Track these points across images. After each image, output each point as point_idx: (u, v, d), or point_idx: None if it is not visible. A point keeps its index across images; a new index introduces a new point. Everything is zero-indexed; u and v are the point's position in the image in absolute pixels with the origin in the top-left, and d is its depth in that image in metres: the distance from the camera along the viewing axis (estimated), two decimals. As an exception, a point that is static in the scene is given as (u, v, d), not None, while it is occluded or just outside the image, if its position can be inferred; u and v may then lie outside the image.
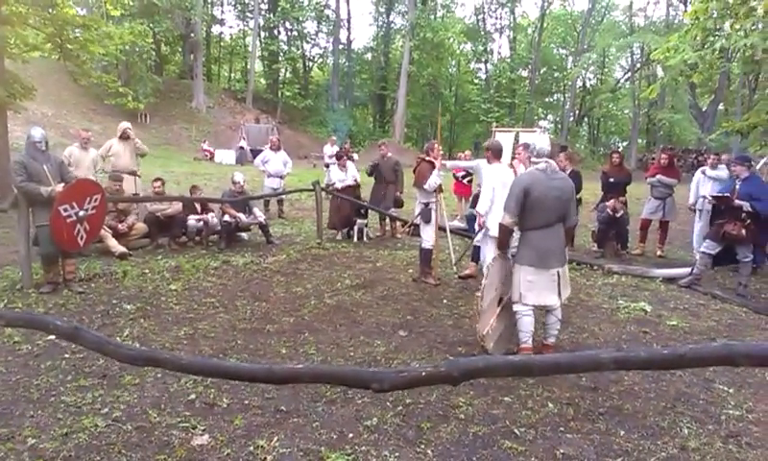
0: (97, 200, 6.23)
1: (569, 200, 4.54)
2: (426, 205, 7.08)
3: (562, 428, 3.46)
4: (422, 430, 3.40)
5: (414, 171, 7.38)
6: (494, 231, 6.07)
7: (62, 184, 6.00)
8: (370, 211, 10.05)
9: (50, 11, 11.99)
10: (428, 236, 7.06)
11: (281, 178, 11.80)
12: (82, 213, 6.00)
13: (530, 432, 3.40)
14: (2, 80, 10.62)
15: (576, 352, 3.51)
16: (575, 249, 9.42)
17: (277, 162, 11.72)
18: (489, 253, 6.29)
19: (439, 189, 7.13)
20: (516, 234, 4.66)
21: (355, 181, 10.20)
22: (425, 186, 6.96)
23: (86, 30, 12.42)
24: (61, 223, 5.83)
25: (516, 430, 3.41)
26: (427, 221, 7.07)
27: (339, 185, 10.00)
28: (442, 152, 6.97)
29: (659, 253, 9.13)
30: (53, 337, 4.52)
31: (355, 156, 15.81)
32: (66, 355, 4.35)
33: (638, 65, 39.45)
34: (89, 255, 7.51)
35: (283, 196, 11.89)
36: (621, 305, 6.21)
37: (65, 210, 5.84)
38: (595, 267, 7.98)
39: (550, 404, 3.76)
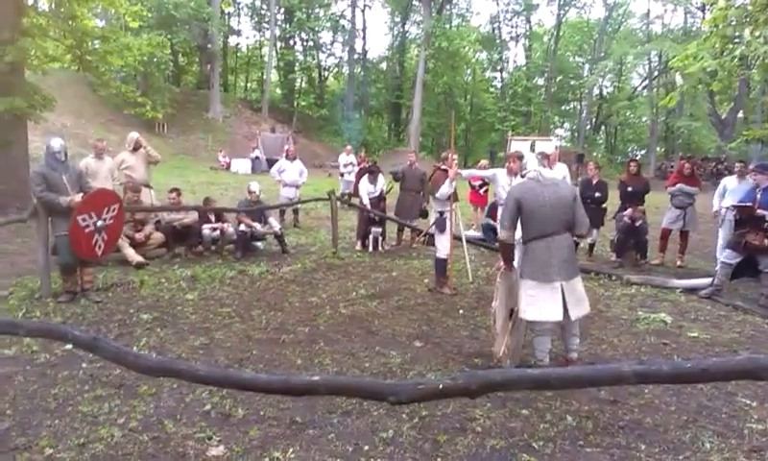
0: (115, 210, 6.28)
1: (570, 206, 4.35)
2: (441, 214, 7.05)
3: (581, 442, 3.40)
4: (439, 443, 3.35)
5: (430, 180, 7.38)
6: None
7: (81, 194, 6.07)
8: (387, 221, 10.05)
9: (70, 22, 12.22)
10: (443, 246, 7.03)
11: (297, 187, 11.84)
12: (100, 223, 6.06)
13: (548, 446, 3.34)
14: (22, 91, 10.81)
15: (597, 365, 3.46)
16: (593, 258, 9.34)
17: (293, 172, 11.76)
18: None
19: (454, 198, 7.10)
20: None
21: (381, 192, 10.18)
22: (437, 195, 6.95)
23: (105, 41, 12.63)
24: (80, 232, 5.89)
25: (534, 444, 3.36)
26: (442, 230, 7.04)
27: (366, 199, 9.99)
28: (456, 161, 6.93)
29: (679, 263, 8.98)
30: (70, 347, 4.54)
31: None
32: (84, 365, 4.38)
33: (656, 73, 39.13)
34: (107, 265, 7.57)
35: (299, 205, 11.92)
36: (641, 316, 6.11)
37: (84, 220, 5.89)
38: (614, 277, 7.88)
39: (569, 418, 3.69)
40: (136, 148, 8.80)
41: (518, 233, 5.71)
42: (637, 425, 3.63)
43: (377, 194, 10.07)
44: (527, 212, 4.30)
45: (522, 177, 4.58)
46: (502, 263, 4.68)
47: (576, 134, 46.01)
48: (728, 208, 8.01)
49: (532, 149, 13.94)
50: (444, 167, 7.09)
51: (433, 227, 7.26)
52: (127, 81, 26.68)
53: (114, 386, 4.04)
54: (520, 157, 6.34)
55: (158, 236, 8.49)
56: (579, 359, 4.71)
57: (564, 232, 4.35)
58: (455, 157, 7.00)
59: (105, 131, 24.51)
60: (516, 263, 4.76)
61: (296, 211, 12.20)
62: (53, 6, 13.40)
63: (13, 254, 8.28)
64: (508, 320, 4.54)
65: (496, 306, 4.55)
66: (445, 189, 6.87)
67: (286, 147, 13.81)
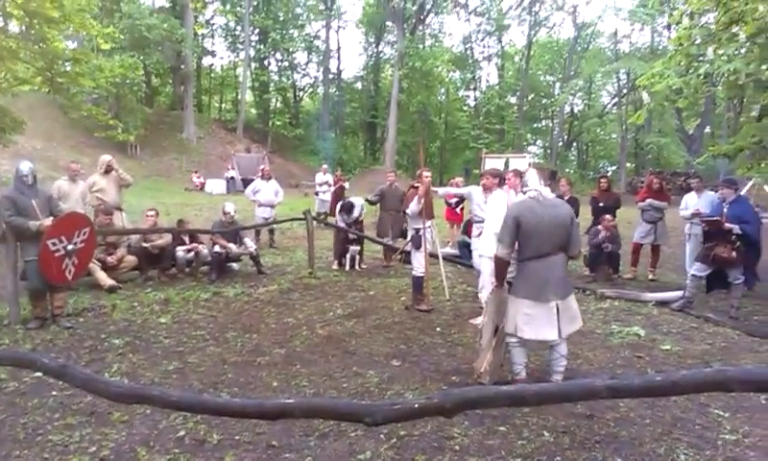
0: (86, 233, 6.19)
1: (567, 227, 4.39)
2: (416, 231, 7.09)
3: (558, 457, 3.42)
4: (417, 463, 3.34)
5: (402, 196, 7.45)
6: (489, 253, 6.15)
7: (51, 218, 5.96)
8: (366, 241, 10.04)
9: (40, 45, 12.08)
10: (419, 263, 7.05)
11: (272, 207, 11.80)
12: (70, 247, 5.96)
13: (526, 463, 3.35)
14: (-9, 114, 10.64)
15: (570, 381, 3.48)
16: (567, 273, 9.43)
17: (269, 192, 11.72)
18: (485, 275, 6.31)
19: (429, 215, 7.13)
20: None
21: (360, 217, 10.14)
22: (408, 211, 7.02)
23: (77, 63, 12.53)
24: (50, 257, 5.78)
25: (511, 461, 3.36)
26: (417, 247, 7.07)
27: (342, 223, 9.94)
28: (429, 178, 7.01)
29: (650, 276, 9.14)
30: (40, 374, 4.43)
31: (346, 184, 15.79)
32: (54, 393, 4.27)
33: (625, 91, 40.00)
34: (78, 289, 7.42)
35: (275, 226, 11.87)
36: (615, 330, 6.19)
37: (54, 244, 5.79)
38: (588, 292, 7.98)
39: (546, 433, 3.71)
40: (108, 171, 8.67)
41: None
42: (613, 439, 3.67)
43: (352, 221, 10.04)
44: (525, 231, 4.29)
45: (523, 194, 4.56)
46: (494, 280, 4.68)
47: (549, 151, 46.70)
48: (692, 223, 8.20)
49: (506, 166, 14.12)
50: (417, 184, 7.15)
51: (409, 244, 7.29)
52: (99, 103, 26.36)
53: (85, 414, 3.95)
54: (495, 175, 6.44)
55: (131, 259, 8.35)
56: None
57: (559, 252, 4.39)
58: (427, 174, 7.06)
59: (76, 153, 24.14)
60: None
61: (271, 231, 12.14)
62: (23, 28, 13.26)
63: (-19, 280, 8.08)
64: (493, 337, 4.55)
65: (484, 322, 4.56)
66: (413, 206, 6.92)
67: (261, 167, 13.74)
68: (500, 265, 4.50)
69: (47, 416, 3.92)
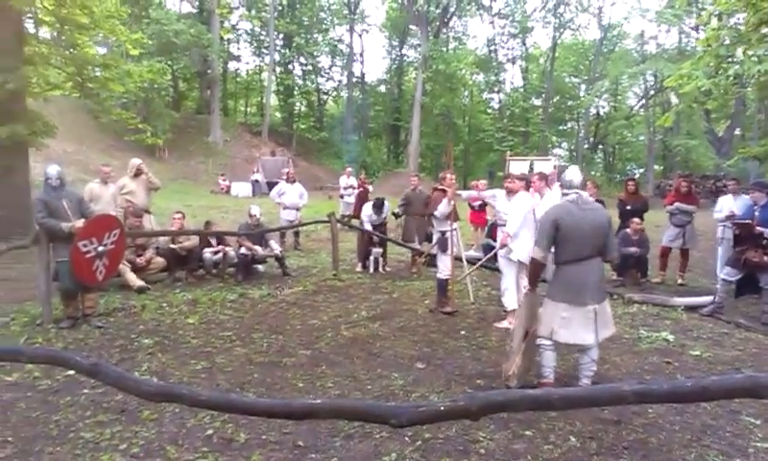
0: (116, 235, 6.31)
1: (605, 231, 4.37)
2: (442, 234, 7.08)
3: (585, 463, 3.39)
4: (442, 466, 3.34)
5: (426, 200, 7.45)
6: (515, 256, 6.10)
7: (82, 220, 6.10)
8: (390, 245, 10.07)
9: (71, 50, 12.35)
10: (444, 266, 7.04)
11: (297, 210, 11.89)
12: (101, 248, 6.08)
13: (552, 467, 3.33)
14: (24, 118, 10.89)
15: (597, 386, 3.45)
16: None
17: (293, 195, 11.82)
18: (510, 280, 6.26)
19: (455, 218, 7.12)
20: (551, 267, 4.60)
21: (385, 218, 10.16)
22: (436, 213, 7.00)
23: (106, 69, 12.76)
24: (81, 258, 5.91)
25: (537, 465, 3.34)
26: (443, 250, 7.06)
27: (368, 224, 10.02)
28: (455, 181, 7.00)
29: (679, 281, 8.99)
30: (72, 372, 4.54)
31: (370, 187, 15.86)
32: (85, 391, 4.37)
33: (652, 92, 39.40)
34: (108, 290, 7.57)
35: (299, 228, 11.96)
36: (643, 335, 6.11)
37: (85, 246, 5.92)
38: (615, 296, 7.86)
39: (572, 438, 3.68)
40: (137, 174, 8.85)
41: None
42: (642, 445, 3.62)
43: (380, 221, 10.08)
44: (564, 235, 4.26)
45: (564, 196, 4.52)
46: (527, 283, 4.67)
47: (574, 154, 46.14)
48: (725, 226, 8.04)
49: (531, 169, 14.06)
50: (442, 187, 7.14)
51: (435, 247, 7.28)
52: (127, 107, 26.84)
53: (116, 412, 4.03)
54: (521, 179, 6.44)
55: (160, 261, 8.50)
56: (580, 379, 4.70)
57: (597, 256, 4.36)
58: (453, 176, 7.06)
59: (106, 156, 24.58)
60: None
61: (296, 234, 12.23)
62: (54, 34, 13.58)
63: (15, 280, 8.27)
64: (523, 341, 4.52)
65: (515, 326, 4.55)
66: (444, 208, 6.91)
67: (286, 170, 13.85)
68: (535, 267, 4.49)
69: (79, 413, 4.01)
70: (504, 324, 6.31)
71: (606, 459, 3.44)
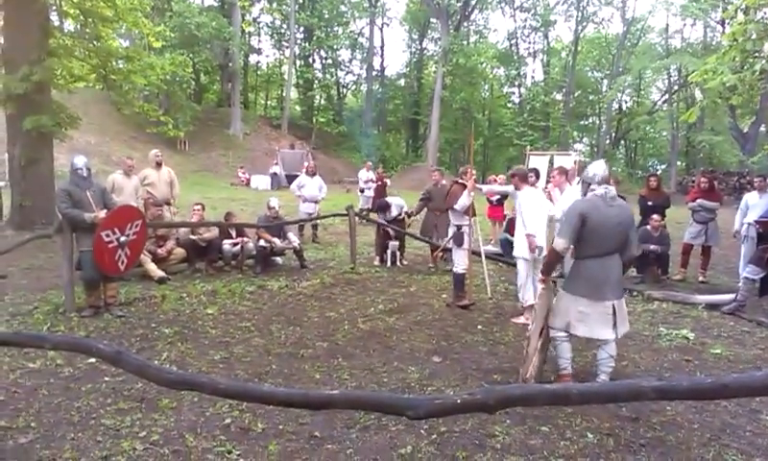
0: (138, 226, 6.39)
1: (629, 229, 4.37)
2: (458, 228, 7.06)
3: (602, 460, 3.37)
4: (458, 460, 3.34)
5: (447, 194, 7.41)
6: (522, 253, 6.08)
7: (105, 211, 6.18)
8: (408, 239, 10.05)
9: (95, 43, 12.52)
10: (460, 260, 7.03)
11: (316, 202, 11.93)
12: (123, 239, 6.16)
13: (569, 463, 3.32)
14: (49, 109, 11.08)
15: (616, 381, 3.42)
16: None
17: (313, 187, 11.87)
18: (523, 273, 6.22)
19: (472, 213, 7.10)
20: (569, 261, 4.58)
21: (407, 214, 10.11)
22: (456, 206, 6.97)
23: (129, 61, 12.91)
24: (104, 248, 5.99)
25: (554, 461, 3.33)
26: (459, 244, 7.04)
27: (382, 219, 10.01)
28: (475, 176, 6.97)
29: (701, 278, 8.87)
30: (93, 360, 4.62)
31: (388, 181, 15.84)
32: (106, 378, 4.44)
33: (676, 87, 38.82)
34: (129, 280, 7.68)
35: (318, 221, 12.00)
36: (662, 333, 6.04)
37: (107, 236, 6.00)
38: (635, 293, 7.79)
39: (589, 435, 3.66)
40: (159, 164, 8.95)
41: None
42: (660, 443, 3.59)
43: (391, 219, 10.05)
44: (590, 229, 4.23)
45: (591, 191, 4.47)
46: (541, 275, 4.66)
47: (596, 149, 45.68)
48: (750, 224, 7.90)
49: (551, 164, 13.94)
50: (461, 181, 7.12)
51: (450, 241, 7.27)
52: (150, 99, 27.15)
53: (136, 400, 4.09)
54: (562, 170, 6.42)
55: (180, 252, 8.60)
56: (598, 375, 4.68)
57: (617, 253, 4.35)
58: (473, 171, 7.03)
59: (128, 148, 24.92)
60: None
61: (315, 227, 12.28)
62: (78, 27, 13.77)
63: (39, 269, 8.44)
64: (539, 339, 4.50)
65: (533, 328, 4.52)
66: (464, 200, 6.88)
67: (306, 163, 13.93)
68: (554, 258, 4.48)
69: (100, 400, 4.08)
70: (521, 319, 6.28)
71: (623, 456, 3.41)
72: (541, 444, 3.54)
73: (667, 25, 40.13)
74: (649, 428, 3.79)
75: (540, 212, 6.18)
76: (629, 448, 3.52)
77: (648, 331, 6.13)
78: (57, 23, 12.82)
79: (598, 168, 4.45)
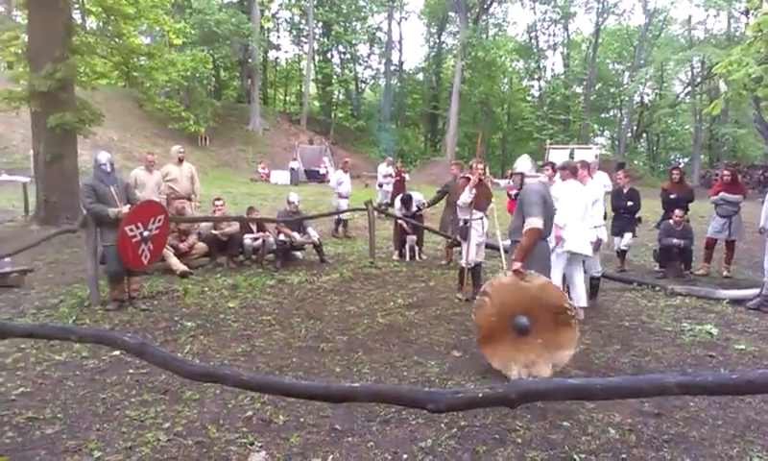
0: (160, 220, 6.47)
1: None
2: (465, 222, 7.04)
3: (624, 455, 3.34)
4: (478, 454, 3.34)
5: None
6: (569, 246, 6.00)
7: (128, 206, 6.27)
8: (427, 234, 10.05)
9: (117, 40, 12.66)
10: (465, 254, 7.03)
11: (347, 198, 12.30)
12: (146, 233, 6.24)
13: (590, 459, 3.30)
14: (72, 106, 11.23)
15: (641, 376, 3.39)
16: (633, 268, 9.16)
17: (349, 184, 12.33)
18: (557, 272, 6.12)
19: (480, 207, 7.03)
20: None
21: (419, 208, 10.14)
22: (458, 202, 6.97)
23: (151, 58, 13.03)
24: (127, 242, 6.08)
25: (575, 456, 3.31)
26: (464, 238, 7.04)
27: (399, 213, 10.04)
28: (481, 170, 6.94)
29: (725, 273, 8.74)
30: (118, 353, 4.70)
31: (407, 175, 15.84)
32: (131, 371, 4.51)
33: (699, 79, 38.17)
34: (152, 274, 7.78)
35: (337, 215, 12.04)
36: (686, 328, 5.96)
37: (131, 230, 6.08)
38: (657, 288, 7.70)
39: (611, 430, 3.64)
40: (181, 160, 9.05)
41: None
42: (683, 439, 3.55)
43: (411, 213, 10.06)
44: (546, 212, 4.54)
45: (533, 178, 4.88)
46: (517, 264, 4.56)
47: (617, 143, 45.21)
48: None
49: (571, 157, 13.81)
50: (467, 175, 7.09)
51: (458, 235, 7.30)
52: (171, 96, 27.41)
53: (160, 391, 4.15)
54: (585, 164, 6.45)
55: (201, 246, 8.69)
56: (621, 370, 4.66)
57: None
58: (480, 165, 7.00)
59: (150, 144, 25.19)
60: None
61: (345, 223, 12.32)
62: (101, 24, 13.93)
63: (64, 263, 8.59)
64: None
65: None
66: (464, 196, 6.86)
67: (345, 160, 14.27)
68: (536, 235, 4.62)
69: (124, 392, 4.14)
70: None
71: (646, 452, 3.38)
72: (563, 439, 3.53)
73: (690, 16, 39.43)
74: (672, 424, 3.76)
75: (578, 207, 6.05)
76: (651, 443, 3.49)
77: (671, 326, 6.06)
78: (79, 21, 12.96)
79: (526, 162, 4.91)
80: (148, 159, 8.91)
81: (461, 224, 7.17)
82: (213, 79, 36.41)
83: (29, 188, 12.53)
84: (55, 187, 11.07)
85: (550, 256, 4.62)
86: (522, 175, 5.12)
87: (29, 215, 11.98)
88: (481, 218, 7.12)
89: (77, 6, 12.24)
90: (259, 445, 3.42)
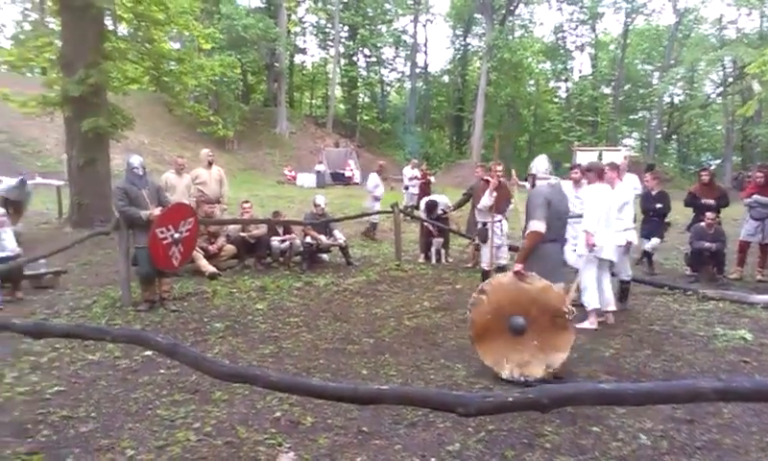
0: (190, 223, 6.57)
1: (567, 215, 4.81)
2: (483, 224, 7.00)
3: (656, 462, 3.29)
4: (507, 458, 3.32)
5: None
6: (606, 254, 5.92)
7: (160, 208, 6.38)
8: (453, 237, 10.02)
9: (147, 46, 12.88)
10: (485, 257, 6.98)
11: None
12: (177, 235, 6.35)
13: (621, 465, 3.26)
14: (105, 111, 11.48)
15: (674, 381, 3.33)
16: (664, 272, 9.00)
17: (383, 187, 12.65)
18: (590, 277, 6.02)
19: (499, 209, 6.97)
20: None
21: (444, 211, 10.09)
22: (479, 206, 6.93)
23: (181, 63, 13.24)
24: (158, 244, 6.18)
25: (606, 462, 3.27)
26: (483, 241, 7.00)
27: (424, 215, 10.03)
28: (500, 171, 6.92)
29: (758, 277, 8.51)
30: (149, 353, 4.78)
31: (432, 178, 15.82)
32: (162, 371, 4.59)
33: (731, 80, 37.35)
34: (182, 275, 7.89)
35: (365, 218, 12.04)
36: (719, 333, 5.83)
37: (162, 233, 6.19)
38: (689, 292, 7.55)
39: (642, 436, 3.58)
40: (210, 163, 9.17)
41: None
42: (716, 446, 3.48)
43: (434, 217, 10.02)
44: (550, 215, 4.50)
45: (542, 180, 4.79)
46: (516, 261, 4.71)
47: (646, 144, 44.46)
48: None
49: (599, 159, 13.65)
50: (487, 178, 7.05)
51: (477, 238, 7.27)
52: (199, 100, 27.77)
53: (190, 392, 4.22)
54: (614, 166, 6.36)
55: (230, 248, 8.81)
56: (652, 376, 4.59)
57: (560, 239, 4.75)
58: (499, 168, 6.96)
59: (179, 148, 25.56)
60: None
61: (375, 225, 12.34)
62: (132, 30, 14.20)
63: (97, 264, 8.78)
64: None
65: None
66: (485, 200, 6.82)
67: (380, 163, 14.57)
68: (537, 239, 4.60)
69: (156, 392, 4.22)
70: (586, 324, 5.94)
71: (678, 459, 3.32)
72: (593, 444, 3.49)
73: (721, 15, 38.58)
74: (705, 431, 3.68)
75: (604, 211, 5.95)
76: (684, 450, 3.43)
77: (703, 332, 5.94)
78: (111, 27, 13.24)
79: (542, 163, 4.83)
80: (178, 163, 9.05)
81: (479, 226, 7.14)
82: (241, 83, 36.82)
83: (62, 191, 12.82)
84: (88, 190, 11.32)
85: (561, 259, 4.61)
86: (534, 176, 5.09)
87: (63, 218, 12.26)
88: (500, 220, 7.07)
89: (109, 12, 12.49)
90: (288, 446, 3.44)
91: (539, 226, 4.48)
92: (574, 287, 6.10)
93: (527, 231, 4.63)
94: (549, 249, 4.53)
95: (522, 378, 4.39)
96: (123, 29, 14.61)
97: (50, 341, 4.98)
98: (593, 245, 5.85)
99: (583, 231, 5.97)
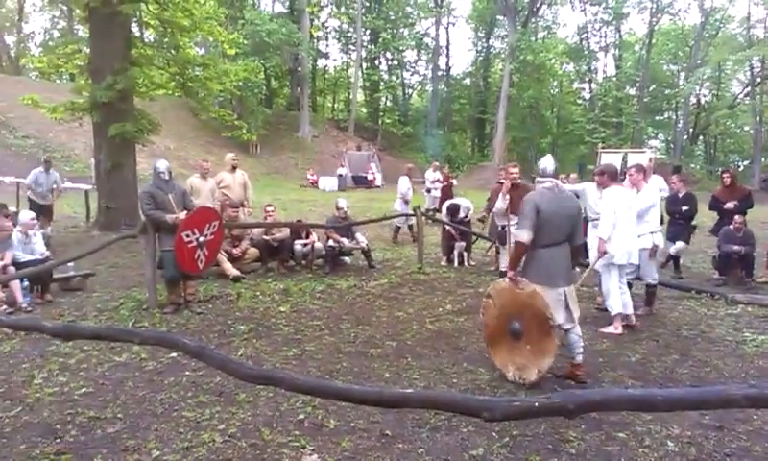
0: (215, 226, 6.65)
1: (577, 219, 4.61)
2: (502, 227, 6.95)
3: (684, 469, 3.24)
4: (531, 463, 3.30)
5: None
6: (618, 259, 5.81)
7: (185, 212, 6.47)
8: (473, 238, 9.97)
9: (173, 52, 13.07)
10: (504, 259, 6.94)
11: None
12: (202, 239, 6.42)
13: (648, 471, 3.21)
14: (132, 116, 11.67)
15: (705, 388, 3.27)
16: (690, 275, 8.85)
17: (411, 190, 12.80)
18: (611, 282, 5.92)
19: (509, 211, 6.92)
20: None
21: (466, 215, 10.02)
22: (494, 210, 6.89)
23: (206, 68, 13.40)
24: (184, 248, 6.26)
25: (632, 469, 3.23)
26: (502, 243, 6.96)
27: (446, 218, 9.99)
28: (514, 173, 6.87)
29: (789, 281, 8.34)
30: (175, 355, 4.85)
31: (454, 181, 15.75)
32: (187, 373, 4.64)
33: (759, 80, 36.60)
34: (207, 278, 7.98)
35: (399, 220, 12.03)
36: (748, 338, 5.72)
37: (187, 236, 6.27)
38: (717, 296, 7.41)
39: (670, 443, 3.53)
40: (234, 168, 9.26)
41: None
42: (746, 453, 3.42)
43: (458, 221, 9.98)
44: (543, 220, 4.41)
45: (540, 184, 4.67)
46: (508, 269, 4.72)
47: (672, 146, 43.77)
48: None
49: (624, 161, 13.47)
50: (501, 181, 7.00)
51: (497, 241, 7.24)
52: (224, 105, 28.10)
53: (215, 393, 4.26)
54: (639, 168, 6.25)
55: (254, 251, 8.88)
56: (680, 382, 4.51)
57: (566, 242, 4.56)
58: (513, 170, 6.90)
59: (204, 152, 25.89)
60: None
61: (399, 228, 12.34)
62: (158, 37, 14.43)
63: (123, 267, 8.92)
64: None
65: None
66: (499, 203, 6.78)
67: (409, 166, 14.78)
68: (522, 250, 4.55)
69: (181, 394, 4.27)
70: (610, 329, 5.89)
71: (707, 466, 3.27)
72: (619, 451, 3.44)
73: (749, 14, 37.83)
74: (734, 438, 3.61)
75: (627, 213, 5.82)
76: (712, 457, 3.37)
77: (731, 336, 5.83)
78: (138, 34, 13.46)
79: (548, 163, 4.67)
80: (203, 167, 9.15)
81: (498, 229, 7.10)
82: (264, 87, 37.14)
83: (90, 195, 13.06)
84: (115, 194, 11.52)
85: (560, 263, 4.48)
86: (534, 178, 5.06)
87: (90, 221, 12.50)
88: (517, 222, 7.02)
89: (135, 19, 12.71)
90: (311, 448, 3.46)
91: (522, 235, 4.44)
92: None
93: (512, 240, 4.66)
94: (543, 254, 4.44)
95: (522, 381, 4.48)
96: (149, 35, 14.87)
97: (78, 343, 5.08)
98: (605, 252, 5.72)
99: (597, 237, 5.86)
